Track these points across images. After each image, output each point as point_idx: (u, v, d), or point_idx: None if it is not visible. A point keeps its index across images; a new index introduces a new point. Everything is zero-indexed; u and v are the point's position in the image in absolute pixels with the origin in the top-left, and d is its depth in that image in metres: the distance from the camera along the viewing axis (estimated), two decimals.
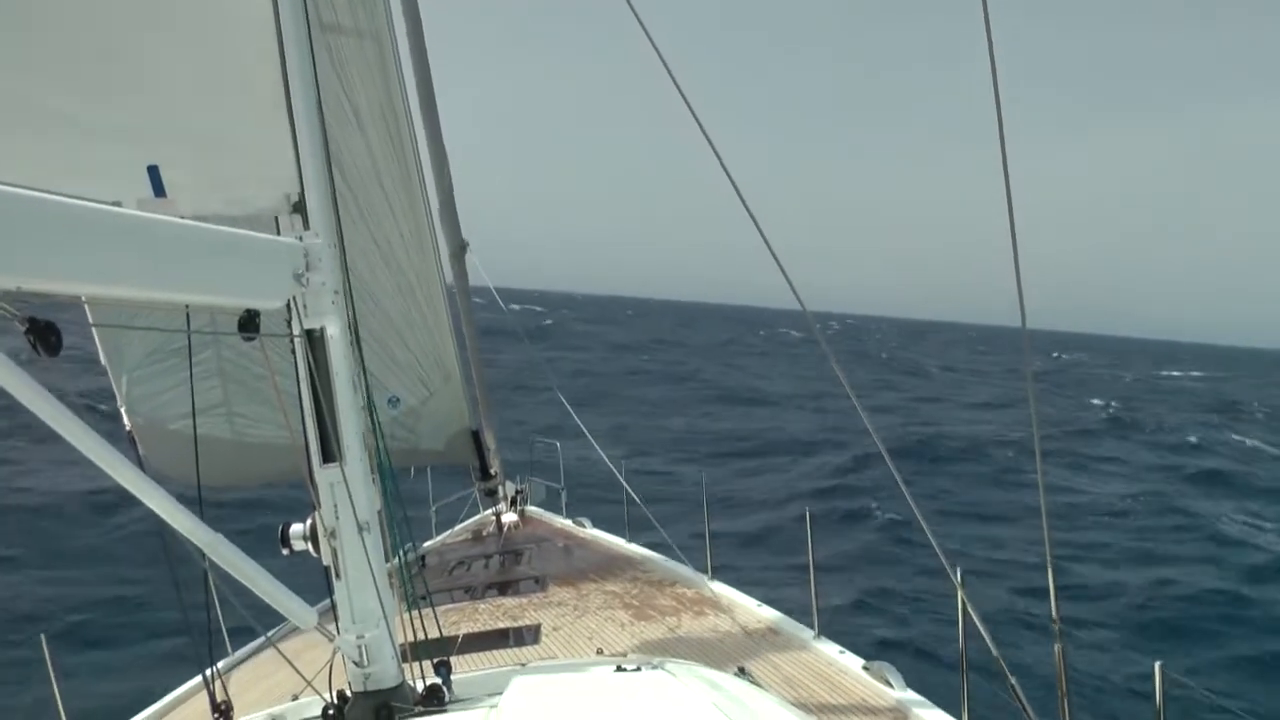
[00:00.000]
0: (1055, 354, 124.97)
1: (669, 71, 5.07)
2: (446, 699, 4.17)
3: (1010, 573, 17.04)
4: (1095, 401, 53.58)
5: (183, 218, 3.35)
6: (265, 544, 4.16)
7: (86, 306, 3.68)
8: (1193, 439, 38.10)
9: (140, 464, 6.44)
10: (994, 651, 4.10)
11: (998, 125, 3.69)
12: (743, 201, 4.83)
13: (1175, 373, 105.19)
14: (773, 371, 60.63)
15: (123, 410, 7.95)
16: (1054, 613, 4.01)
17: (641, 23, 5.17)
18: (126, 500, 3.01)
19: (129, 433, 7.87)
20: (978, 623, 4.40)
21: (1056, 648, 3.96)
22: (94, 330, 6.98)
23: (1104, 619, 15.12)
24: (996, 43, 3.59)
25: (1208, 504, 24.53)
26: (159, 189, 3.54)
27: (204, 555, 3.30)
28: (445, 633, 5.32)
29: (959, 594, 4.80)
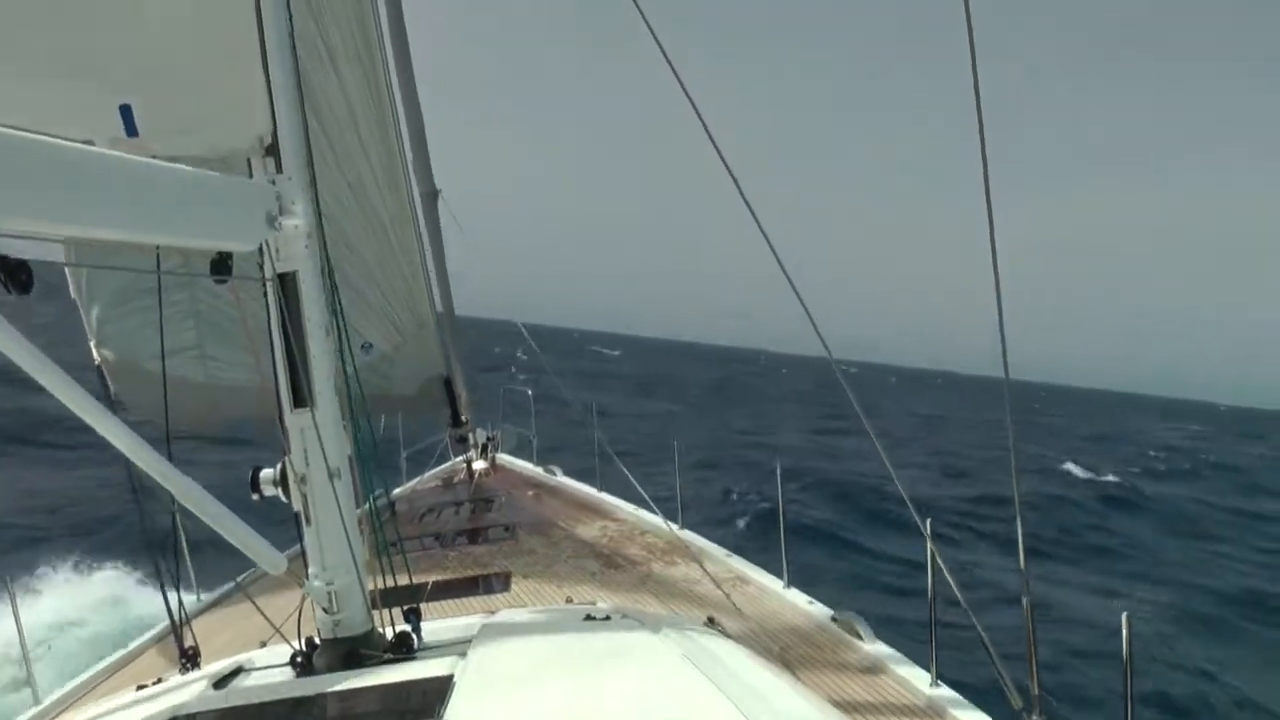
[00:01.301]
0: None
1: (700, 117, 5.03)
2: (416, 646, 4.17)
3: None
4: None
5: (155, 158, 3.31)
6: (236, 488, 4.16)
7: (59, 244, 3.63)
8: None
9: (110, 400, 6.43)
10: (962, 602, 4.13)
11: (984, 183, 3.70)
12: (767, 241, 4.79)
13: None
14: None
15: (91, 344, 7.89)
16: (1022, 563, 4.03)
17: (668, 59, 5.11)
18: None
19: (97, 366, 7.81)
20: (946, 573, 4.42)
21: (1025, 600, 3.98)
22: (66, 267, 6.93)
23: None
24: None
25: None
26: (131, 129, 3.49)
27: (172, 499, 3.28)
28: (415, 580, 5.31)
29: (928, 545, 4.82)
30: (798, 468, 26.42)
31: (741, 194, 4.82)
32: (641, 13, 5.03)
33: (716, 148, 4.86)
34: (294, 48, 4.04)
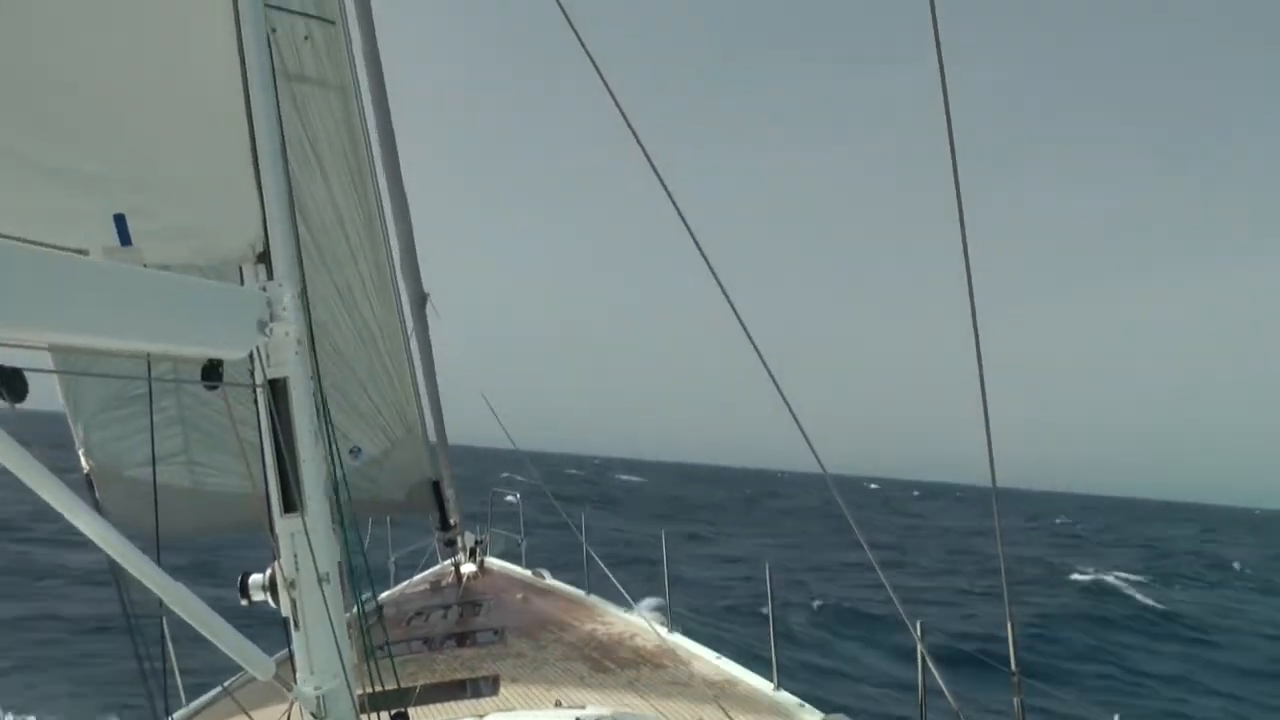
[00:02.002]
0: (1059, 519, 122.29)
1: (670, 197, 5.12)
2: None
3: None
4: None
5: (148, 266, 3.36)
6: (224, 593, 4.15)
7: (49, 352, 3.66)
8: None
9: (98, 508, 6.41)
10: (954, 705, 4.12)
11: (968, 292, 3.77)
12: (763, 361, 4.86)
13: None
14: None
15: (80, 453, 7.88)
16: (1013, 664, 4.03)
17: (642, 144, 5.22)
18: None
19: (86, 475, 7.80)
20: (937, 677, 4.41)
21: (1016, 701, 3.98)
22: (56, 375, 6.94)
23: None
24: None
25: None
26: (125, 237, 3.54)
27: (161, 603, 3.28)
28: (403, 684, 5.28)
29: (919, 648, 4.82)
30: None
31: (751, 342, 4.88)
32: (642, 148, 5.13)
33: (710, 265, 4.94)
34: (285, 156, 4.11)
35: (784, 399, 4.74)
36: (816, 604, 25.48)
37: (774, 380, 4.77)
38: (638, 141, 5.07)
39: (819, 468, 4.75)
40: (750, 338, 4.84)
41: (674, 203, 5.01)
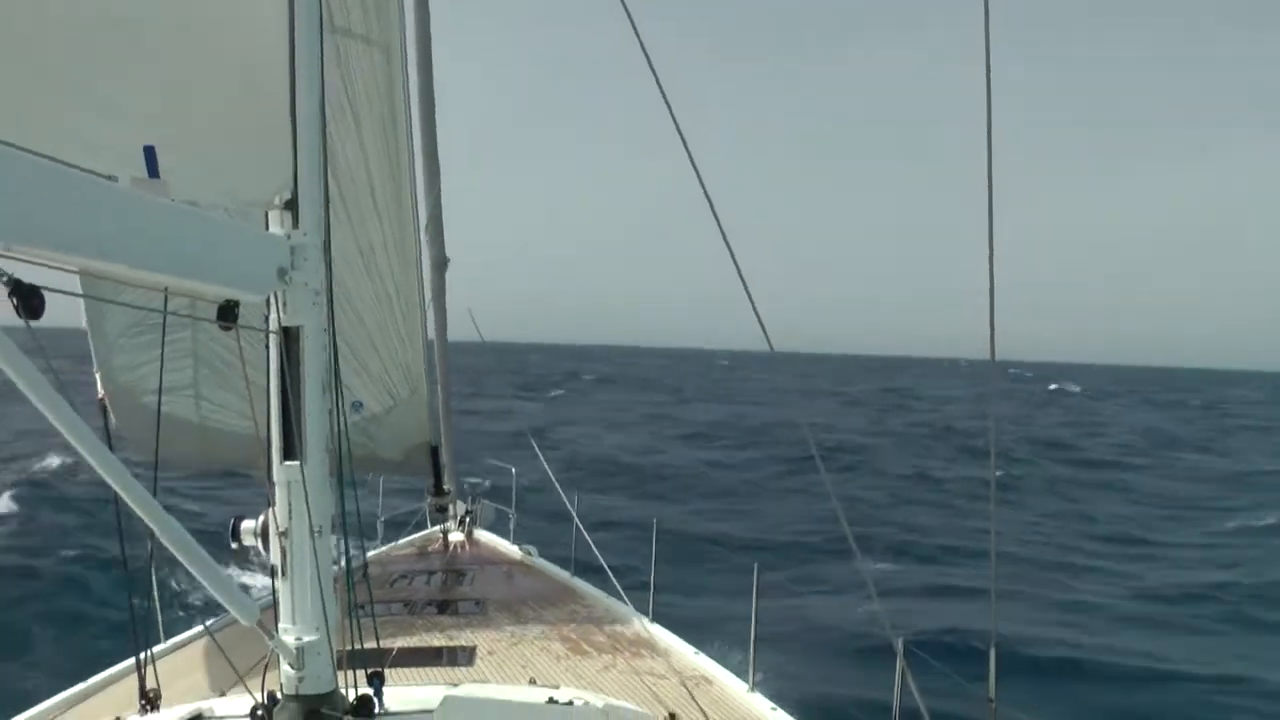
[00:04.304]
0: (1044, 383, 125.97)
1: (667, 102, 5.11)
2: (376, 710, 4.15)
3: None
4: None
5: (174, 200, 3.37)
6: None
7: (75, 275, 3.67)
8: None
9: (108, 433, 6.47)
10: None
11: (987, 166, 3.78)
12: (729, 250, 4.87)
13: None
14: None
15: (97, 376, 7.91)
16: (991, 690, 4.04)
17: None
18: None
19: (100, 400, 7.83)
20: (916, 696, 4.41)
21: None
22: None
23: None
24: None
25: None
26: (153, 170, 3.55)
27: (152, 535, 3.28)
28: (381, 645, 5.29)
29: (899, 662, 4.82)
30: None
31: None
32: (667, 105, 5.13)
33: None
34: (323, 108, 4.11)
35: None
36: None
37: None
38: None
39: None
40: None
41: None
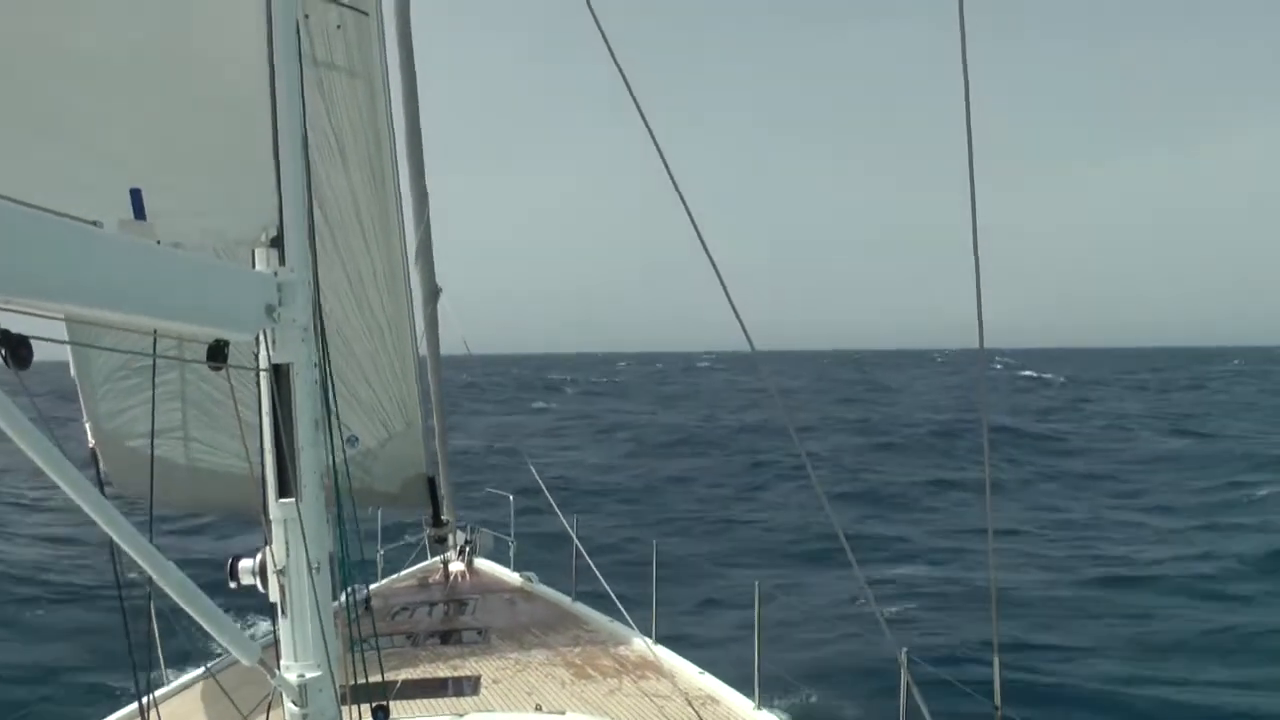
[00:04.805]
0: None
1: (629, 87, 5.13)
2: None
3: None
4: None
5: (160, 242, 3.37)
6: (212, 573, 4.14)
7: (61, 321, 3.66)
8: None
9: (101, 481, 6.46)
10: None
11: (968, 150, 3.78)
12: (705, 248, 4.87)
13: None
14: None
15: (87, 426, 7.89)
16: (997, 699, 4.04)
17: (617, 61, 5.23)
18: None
19: (91, 449, 7.80)
20: (920, 705, 4.40)
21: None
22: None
23: None
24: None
25: None
26: (139, 211, 3.54)
27: (150, 580, 3.27)
28: (385, 678, 5.28)
29: (902, 673, 4.81)
30: None
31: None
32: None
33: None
34: (305, 142, 4.11)
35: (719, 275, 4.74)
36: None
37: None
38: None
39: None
40: None
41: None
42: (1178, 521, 24.48)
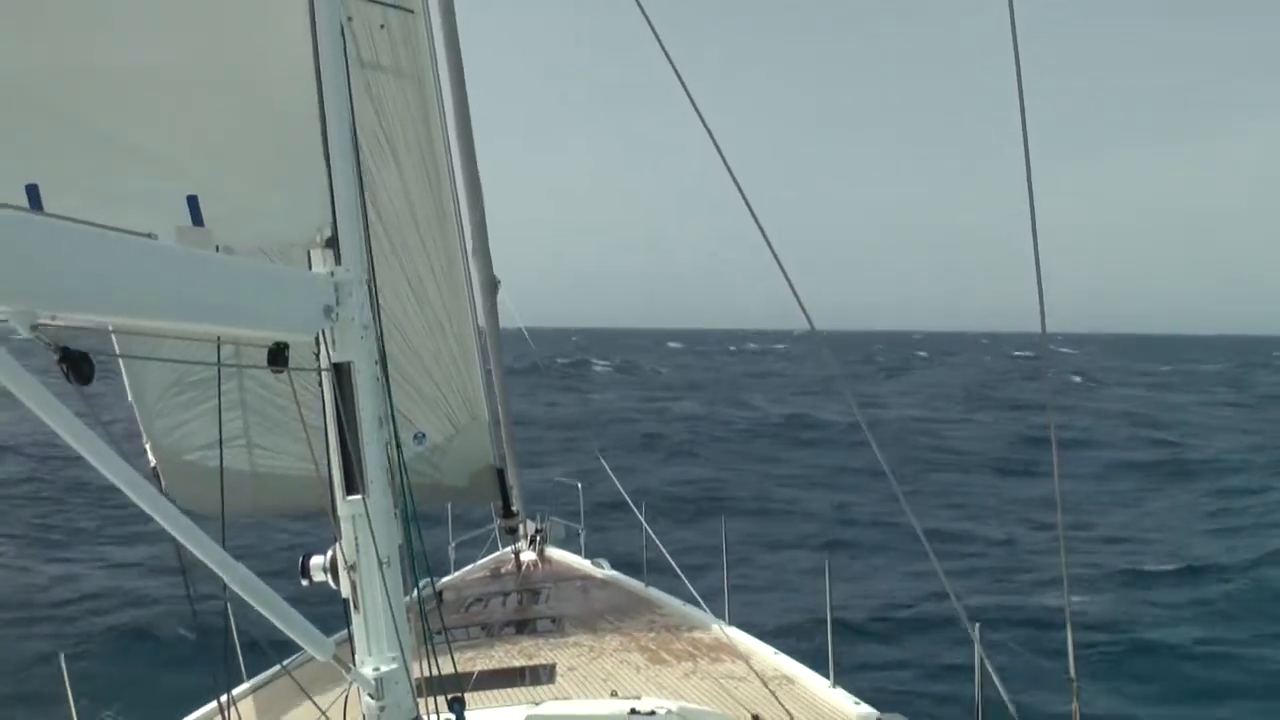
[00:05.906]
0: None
1: (679, 76, 5.12)
2: None
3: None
4: None
5: (218, 247, 3.42)
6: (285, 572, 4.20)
7: (114, 337, 3.72)
8: None
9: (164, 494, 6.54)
10: (1011, 711, 4.10)
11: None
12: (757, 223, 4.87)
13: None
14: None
15: (147, 446, 7.98)
16: (1071, 669, 4.01)
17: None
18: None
19: (153, 468, 7.89)
20: (995, 680, 4.39)
21: (1074, 706, 3.95)
22: (121, 363, 7.06)
23: None
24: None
25: None
26: (197, 219, 3.60)
27: (224, 584, 3.33)
28: (460, 669, 5.32)
29: (976, 649, 4.79)
30: None
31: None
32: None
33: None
34: (355, 142, 4.15)
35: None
36: None
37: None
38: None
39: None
40: None
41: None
42: None
